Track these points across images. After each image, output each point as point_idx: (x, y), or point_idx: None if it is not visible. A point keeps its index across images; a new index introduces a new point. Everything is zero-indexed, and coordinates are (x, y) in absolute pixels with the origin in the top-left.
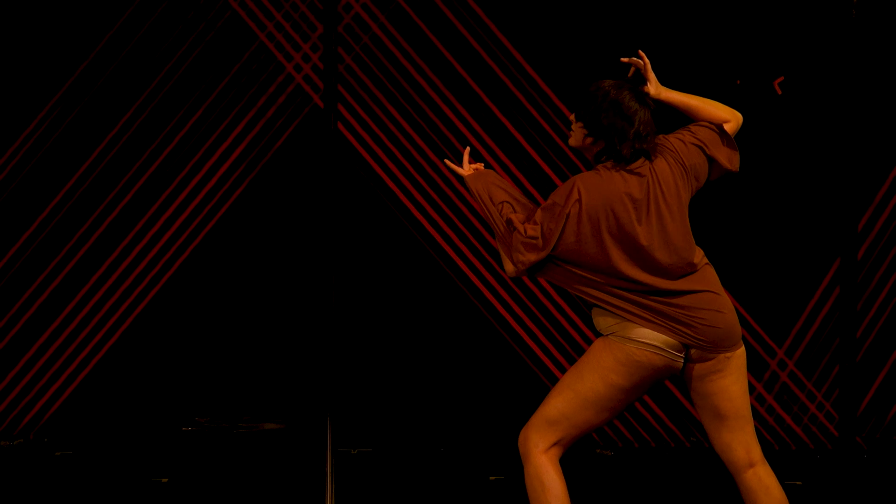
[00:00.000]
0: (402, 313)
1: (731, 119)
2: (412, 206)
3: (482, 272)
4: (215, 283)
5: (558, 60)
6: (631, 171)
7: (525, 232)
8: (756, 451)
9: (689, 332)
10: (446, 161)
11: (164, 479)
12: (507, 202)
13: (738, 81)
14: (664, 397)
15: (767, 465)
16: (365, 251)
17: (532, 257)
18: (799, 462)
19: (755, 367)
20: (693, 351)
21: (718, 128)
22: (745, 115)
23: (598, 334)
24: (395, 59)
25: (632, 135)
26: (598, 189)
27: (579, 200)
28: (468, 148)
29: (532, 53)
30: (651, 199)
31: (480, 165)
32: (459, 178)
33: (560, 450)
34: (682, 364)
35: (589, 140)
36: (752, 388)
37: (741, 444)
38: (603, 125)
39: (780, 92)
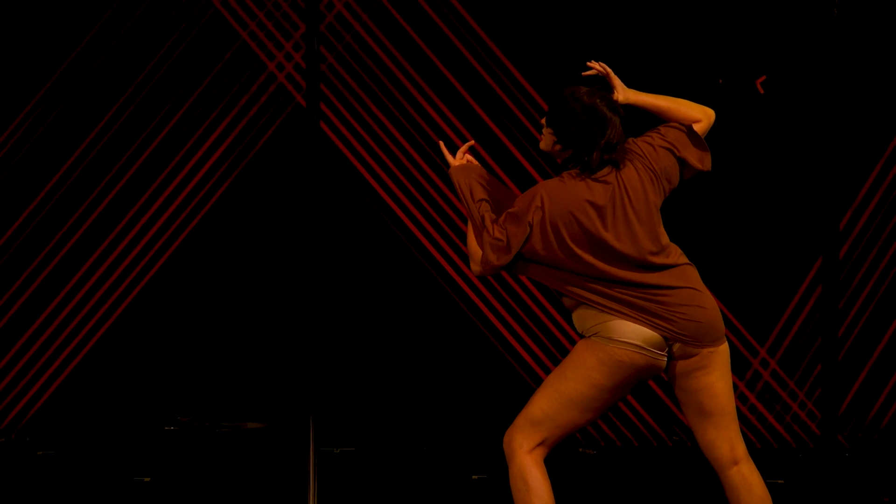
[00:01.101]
0: (386, 312)
1: (703, 118)
2: (395, 204)
3: (465, 271)
4: (198, 283)
5: (541, 59)
6: (596, 179)
7: (493, 233)
8: (740, 449)
9: (669, 326)
10: (441, 143)
11: (147, 479)
12: (486, 200)
13: (721, 80)
14: (646, 396)
15: (752, 462)
16: (348, 250)
17: (494, 259)
18: (781, 460)
19: (737, 365)
20: (676, 347)
21: (688, 128)
22: (728, 114)
23: (580, 336)
24: (377, 57)
25: (602, 145)
26: (560, 197)
27: (542, 209)
28: (472, 141)
29: (515, 52)
30: (617, 206)
31: (473, 159)
32: (447, 165)
33: (544, 450)
34: (665, 363)
35: (558, 147)
36: (734, 387)
37: (725, 441)
38: (573, 134)
39: (762, 91)
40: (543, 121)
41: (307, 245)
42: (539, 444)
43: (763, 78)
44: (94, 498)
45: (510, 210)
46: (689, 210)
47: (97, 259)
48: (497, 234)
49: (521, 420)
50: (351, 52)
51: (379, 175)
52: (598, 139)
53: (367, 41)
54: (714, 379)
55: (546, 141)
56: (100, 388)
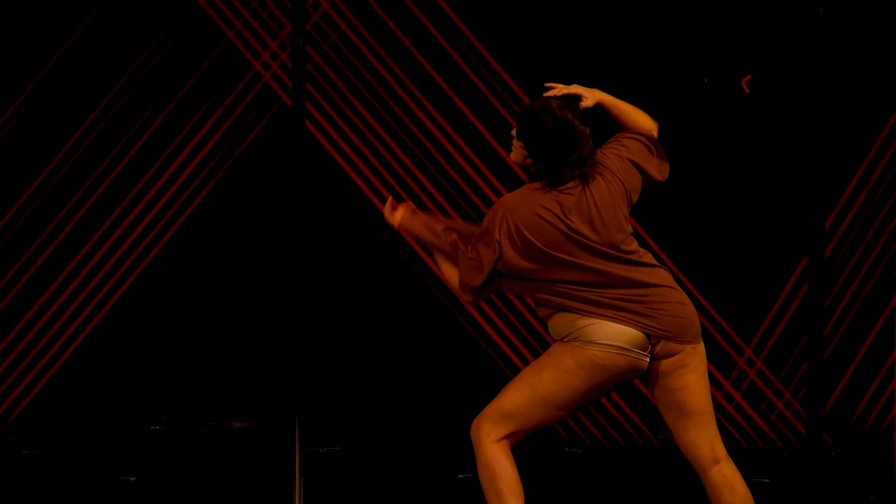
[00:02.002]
0: (371, 311)
1: (654, 129)
2: (381, 204)
3: None
4: (184, 282)
5: (527, 58)
6: (562, 191)
7: (467, 252)
8: (720, 448)
9: (652, 323)
10: (388, 201)
11: (132, 478)
12: (450, 228)
13: (706, 80)
14: (632, 395)
15: (731, 461)
16: (333, 249)
17: (470, 280)
18: (767, 460)
19: (723, 364)
20: (658, 347)
21: (650, 139)
22: (713, 113)
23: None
24: (363, 56)
25: (573, 159)
26: (522, 208)
27: (506, 222)
28: (390, 198)
29: (501, 51)
30: (583, 212)
31: (412, 205)
32: (394, 230)
33: (511, 441)
34: (647, 364)
35: (529, 161)
36: (720, 386)
37: (706, 440)
38: (543, 149)
39: (747, 90)
40: (514, 132)
41: (293, 245)
42: (507, 436)
43: (748, 77)
44: (79, 497)
45: (479, 229)
46: (675, 209)
47: (82, 258)
48: (471, 254)
49: (492, 410)
50: (337, 52)
51: (365, 174)
52: (570, 154)
53: (353, 40)
54: (694, 378)
55: (517, 154)
56: (85, 387)
